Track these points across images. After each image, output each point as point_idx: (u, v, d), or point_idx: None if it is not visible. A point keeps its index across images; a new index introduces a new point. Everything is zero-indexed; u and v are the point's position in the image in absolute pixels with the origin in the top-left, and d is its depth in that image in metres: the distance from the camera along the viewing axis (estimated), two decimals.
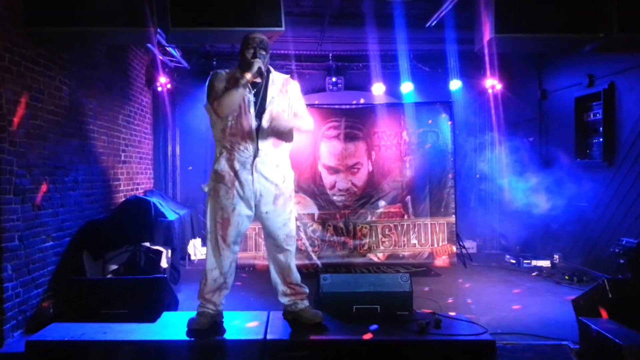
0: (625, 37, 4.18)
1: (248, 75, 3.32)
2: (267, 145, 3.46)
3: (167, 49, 6.92)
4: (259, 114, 3.45)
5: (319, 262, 6.88)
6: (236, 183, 3.43)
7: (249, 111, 3.43)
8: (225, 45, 7.38)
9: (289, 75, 3.72)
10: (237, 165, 3.43)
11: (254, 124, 3.43)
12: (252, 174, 3.42)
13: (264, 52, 3.44)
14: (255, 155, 3.42)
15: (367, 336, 3.38)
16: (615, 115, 6.12)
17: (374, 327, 3.49)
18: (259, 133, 3.44)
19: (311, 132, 3.73)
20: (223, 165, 3.46)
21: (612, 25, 4.14)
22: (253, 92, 3.46)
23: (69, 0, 3.90)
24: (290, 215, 3.61)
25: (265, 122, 3.45)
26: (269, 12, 4.12)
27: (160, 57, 7.34)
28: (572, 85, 6.95)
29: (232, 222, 3.46)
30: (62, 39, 4.38)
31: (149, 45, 6.72)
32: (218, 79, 3.47)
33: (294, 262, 3.66)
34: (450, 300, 5.35)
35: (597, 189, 6.37)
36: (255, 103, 3.45)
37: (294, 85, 3.67)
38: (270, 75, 3.57)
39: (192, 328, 3.47)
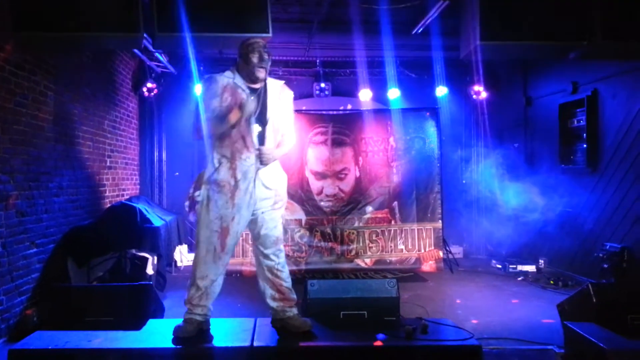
0: (608, 44, 4.25)
1: (239, 115, 3.27)
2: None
3: (154, 54, 6.89)
4: (262, 123, 3.44)
5: (305, 268, 6.86)
6: (237, 192, 3.39)
7: (251, 119, 3.40)
8: (213, 51, 7.37)
9: (283, 82, 3.70)
10: (238, 175, 3.39)
11: (255, 132, 3.42)
12: (254, 182, 3.41)
13: (266, 57, 3.42)
14: (258, 164, 3.41)
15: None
16: (598, 121, 6.20)
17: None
18: (262, 141, 3.43)
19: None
20: (224, 174, 3.40)
21: (596, 34, 4.20)
22: (252, 98, 3.41)
23: (56, 6, 3.87)
24: (281, 219, 3.63)
25: (268, 132, 3.46)
26: (256, 18, 4.12)
27: (147, 63, 7.31)
28: (556, 92, 7.04)
29: (231, 231, 3.42)
30: (48, 44, 4.34)
31: (135, 50, 6.69)
32: (214, 82, 3.41)
33: (284, 265, 3.62)
34: (437, 306, 5.37)
35: (581, 195, 6.44)
36: (255, 110, 3.43)
37: (288, 95, 3.67)
38: (267, 82, 3.54)
39: (178, 335, 3.43)
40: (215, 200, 3.42)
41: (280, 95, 3.59)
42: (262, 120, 3.45)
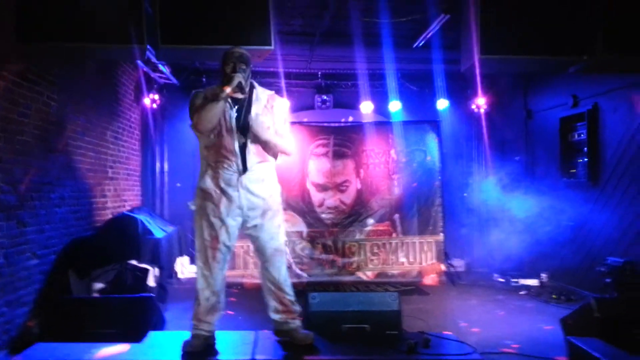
0: (608, 58, 4.27)
1: (227, 89, 3.26)
2: (252, 162, 3.43)
3: (157, 65, 6.92)
4: (244, 132, 3.41)
5: (306, 280, 6.83)
6: (223, 200, 3.40)
7: (232, 128, 3.39)
8: (215, 62, 7.39)
9: (274, 92, 3.65)
10: (222, 183, 3.40)
11: (236, 140, 3.39)
12: (238, 190, 3.40)
13: (243, 66, 3.39)
14: (240, 173, 3.40)
15: None
16: (599, 135, 6.21)
17: None
18: (244, 150, 3.41)
19: (290, 154, 3.64)
20: (209, 183, 3.43)
21: (596, 47, 4.23)
22: (235, 108, 3.42)
23: (60, 17, 3.89)
24: (278, 229, 3.56)
25: (250, 140, 3.42)
26: (259, 31, 4.14)
27: (150, 74, 7.35)
28: (557, 106, 7.06)
29: (220, 239, 3.43)
30: (52, 54, 4.35)
31: (138, 62, 6.72)
32: (198, 97, 3.45)
33: (286, 278, 3.60)
34: (439, 319, 5.34)
35: (583, 208, 6.43)
36: (238, 119, 3.41)
37: (280, 103, 3.60)
38: (255, 91, 3.52)
39: (186, 351, 3.39)
40: (204, 208, 3.44)
41: (271, 104, 3.54)
42: (242, 130, 3.41)
